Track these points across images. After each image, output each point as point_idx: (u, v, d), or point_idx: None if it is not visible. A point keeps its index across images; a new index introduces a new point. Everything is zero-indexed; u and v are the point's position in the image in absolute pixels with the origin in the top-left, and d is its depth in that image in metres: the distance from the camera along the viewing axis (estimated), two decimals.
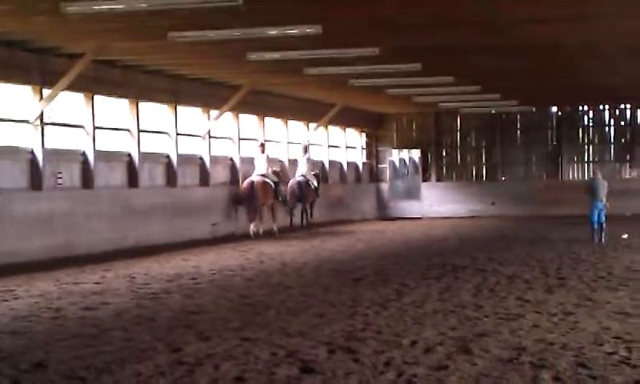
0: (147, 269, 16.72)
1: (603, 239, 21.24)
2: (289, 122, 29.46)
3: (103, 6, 13.60)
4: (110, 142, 21.22)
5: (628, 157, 35.37)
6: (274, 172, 25.89)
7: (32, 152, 18.30)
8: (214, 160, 24.97)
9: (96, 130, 20.15)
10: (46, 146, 18.48)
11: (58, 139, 19.62)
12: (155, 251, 20.05)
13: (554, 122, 36.10)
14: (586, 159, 35.81)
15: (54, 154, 18.97)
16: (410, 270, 16.07)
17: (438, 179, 36.75)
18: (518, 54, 20.13)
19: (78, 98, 19.88)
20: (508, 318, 10.49)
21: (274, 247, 21.41)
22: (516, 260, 17.58)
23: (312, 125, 30.71)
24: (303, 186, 27.57)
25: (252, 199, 24.67)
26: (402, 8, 14.77)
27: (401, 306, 11.66)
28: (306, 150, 28.65)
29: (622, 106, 35.15)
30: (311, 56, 18.83)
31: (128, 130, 21.55)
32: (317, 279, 14.87)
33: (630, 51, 20.24)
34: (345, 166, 34.05)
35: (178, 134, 23.28)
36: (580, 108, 35.63)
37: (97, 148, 20.14)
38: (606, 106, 35.36)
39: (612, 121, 35.60)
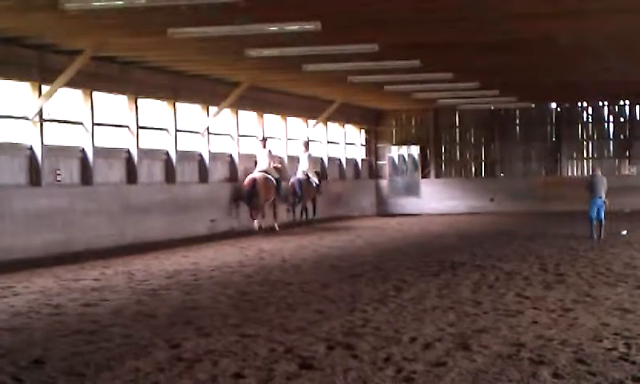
0: (146, 265, 16.73)
1: (602, 235, 21.26)
2: (288, 118, 29.45)
3: (102, 3, 13.60)
4: (108, 139, 21.21)
5: (627, 153, 35.38)
6: (276, 168, 25.92)
7: (31, 148, 18.30)
8: (213, 156, 24.96)
9: (95, 127, 20.15)
10: (45, 142, 18.48)
11: (57, 136, 19.60)
12: (154, 248, 20.05)
13: (553, 119, 36.10)
14: (585, 155, 35.83)
15: (52, 151, 18.97)
16: (409, 266, 16.08)
17: (437, 175, 36.76)
18: (515, 51, 20.13)
19: (77, 94, 19.88)
20: (507, 314, 10.50)
21: (274, 243, 21.42)
22: (515, 256, 17.59)
23: (311, 121, 30.71)
24: (303, 183, 27.58)
25: (254, 196, 24.71)
26: (401, 4, 14.77)
27: (400, 302, 11.67)
28: (307, 146, 28.65)
29: (621, 103, 35.15)
30: (310, 52, 18.82)
31: (127, 127, 21.54)
32: (316, 275, 14.87)
33: (623, 48, 20.24)
34: (344, 163, 34.05)
35: (177, 131, 23.27)
36: (579, 104, 35.63)
37: (96, 144, 20.14)
38: (605, 103, 35.36)
39: (611, 117, 35.60)
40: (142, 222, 21.29)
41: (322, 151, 32.03)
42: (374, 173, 36.97)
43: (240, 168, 26.07)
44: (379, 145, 37.03)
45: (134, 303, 11.99)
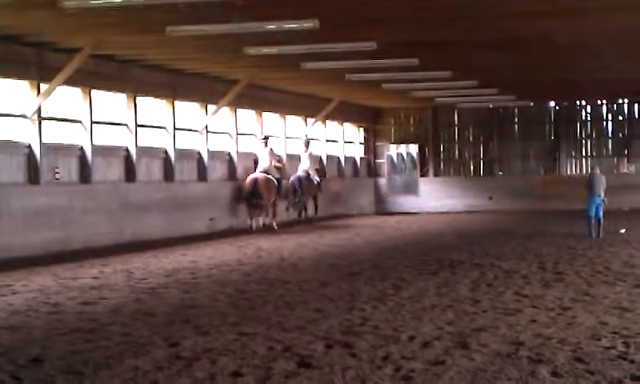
0: (145, 264, 16.73)
1: (601, 234, 21.27)
2: (287, 116, 29.45)
3: (101, 1, 13.61)
4: (107, 137, 21.20)
5: (626, 151, 35.38)
6: (277, 167, 25.97)
7: (29, 147, 18.29)
8: (212, 155, 24.95)
9: (93, 125, 20.14)
10: (43, 140, 18.47)
11: (56, 134, 19.59)
12: (153, 246, 20.05)
13: (552, 117, 36.09)
14: (584, 154, 35.82)
15: (51, 149, 18.96)
16: (407, 264, 16.08)
17: (436, 174, 36.75)
18: (514, 49, 20.14)
19: (76, 92, 19.87)
20: (505, 313, 10.50)
21: (272, 242, 21.42)
22: (514, 255, 17.60)
23: (310, 119, 30.70)
24: (303, 180, 27.59)
25: (255, 196, 24.77)
26: (399, 2, 14.77)
27: (398, 300, 11.68)
28: (307, 144, 28.66)
29: (620, 101, 35.15)
30: (308, 50, 18.80)
31: (125, 125, 21.54)
32: (315, 274, 14.87)
33: (622, 46, 20.24)
34: (342, 161, 34.05)
35: (175, 129, 23.26)
36: (577, 103, 35.63)
37: (94, 143, 20.13)
38: (604, 101, 35.36)
39: (610, 116, 35.60)
40: (141, 221, 21.29)
41: (320, 150, 32.02)
42: (373, 171, 36.98)
43: (239, 167, 26.08)
44: (378, 143, 37.03)
45: (132, 302, 11.99)
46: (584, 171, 34.35)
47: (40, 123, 18.40)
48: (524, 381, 7.23)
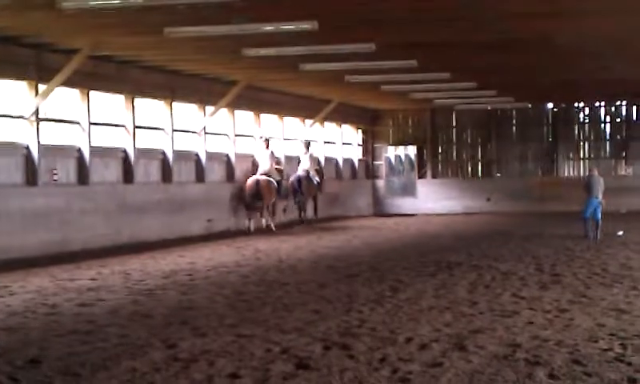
0: (143, 265, 16.73)
1: (599, 236, 21.29)
2: (285, 118, 29.45)
3: (99, 2, 13.59)
4: (105, 138, 21.19)
5: (623, 153, 35.39)
6: (277, 169, 26.03)
7: (27, 148, 18.27)
8: (210, 156, 24.95)
9: (91, 126, 20.13)
10: (41, 141, 18.46)
11: (54, 135, 19.58)
12: (151, 247, 20.05)
13: (550, 119, 36.12)
14: (582, 156, 35.85)
15: (49, 150, 18.94)
16: (405, 266, 16.08)
17: (434, 176, 36.76)
18: (512, 51, 20.14)
19: (74, 93, 19.86)
20: (503, 315, 10.51)
21: (270, 243, 21.42)
22: (511, 256, 17.61)
23: (308, 121, 30.70)
24: (303, 180, 27.60)
25: (256, 198, 24.87)
26: (398, 4, 14.76)
27: (396, 302, 11.68)
28: (308, 146, 28.69)
29: (618, 103, 35.17)
30: (307, 52, 18.81)
31: (123, 126, 21.53)
32: (313, 276, 14.88)
33: (620, 48, 20.26)
34: (341, 163, 34.05)
35: (173, 130, 23.26)
36: (575, 105, 35.65)
37: (92, 144, 20.12)
38: (602, 103, 35.37)
39: (608, 118, 35.62)
40: (139, 222, 21.28)
41: (319, 151, 32.02)
42: (371, 173, 36.99)
43: (237, 168, 26.07)
44: (376, 145, 37.04)
45: (130, 303, 11.99)
46: (582, 173, 34.36)
47: (38, 124, 18.39)
48: (521, 383, 7.24)
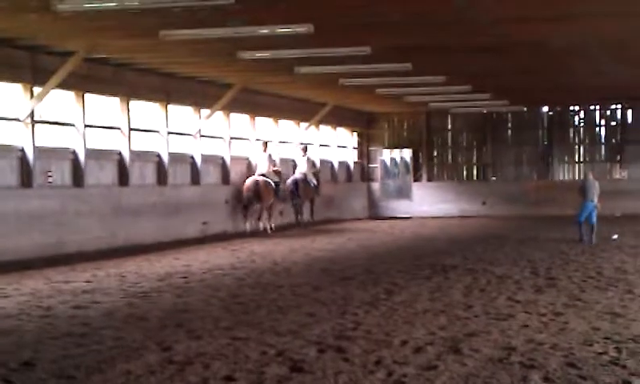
0: (138, 267, 16.72)
1: (593, 239, 21.31)
2: (280, 121, 29.46)
3: (94, 4, 13.57)
4: (100, 141, 21.18)
5: (618, 157, 35.43)
6: (275, 171, 26.06)
7: (22, 150, 18.25)
8: (205, 159, 24.95)
9: (87, 129, 20.12)
10: (36, 144, 18.45)
11: (49, 137, 19.57)
12: (146, 250, 20.04)
13: (545, 122, 36.14)
14: (577, 159, 35.88)
15: (44, 152, 18.92)
16: (400, 269, 16.08)
17: (429, 179, 36.76)
18: (507, 54, 20.17)
19: (69, 96, 19.85)
20: (498, 318, 10.52)
21: (265, 246, 21.42)
22: (506, 260, 17.62)
23: (303, 124, 30.71)
24: (300, 183, 27.62)
25: (255, 199, 24.92)
26: (394, 7, 14.77)
27: (391, 305, 11.68)
28: (305, 150, 28.76)
29: (613, 107, 35.21)
30: (302, 55, 18.82)
31: (119, 129, 21.51)
32: (307, 278, 14.87)
33: (615, 51, 20.29)
34: (336, 166, 34.05)
35: (169, 133, 23.25)
36: (571, 108, 35.69)
37: (87, 146, 20.11)
38: (597, 107, 35.41)
39: (603, 121, 35.65)
40: (134, 224, 21.26)
41: (314, 154, 32.02)
42: (366, 176, 36.99)
43: (233, 171, 26.07)
44: (371, 148, 37.04)
45: (125, 306, 11.97)
46: (577, 177, 34.40)
47: (33, 126, 18.37)
48: None
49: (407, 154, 36.33)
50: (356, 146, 36.52)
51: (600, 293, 12.72)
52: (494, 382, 7.36)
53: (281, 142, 29.39)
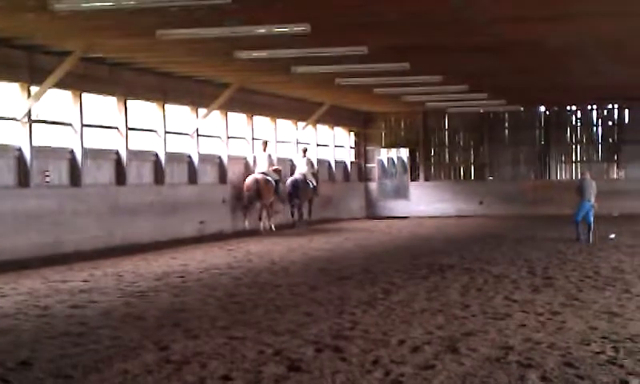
0: (135, 267, 16.70)
1: (591, 239, 21.32)
2: (277, 120, 29.46)
3: (92, 4, 13.57)
4: (98, 140, 21.17)
5: (615, 157, 35.46)
6: (275, 170, 26.11)
7: (20, 149, 18.25)
8: (203, 158, 24.94)
9: (84, 128, 20.11)
10: (33, 143, 18.44)
11: (46, 137, 19.56)
12: (143, 249, 20.03)
13: (542, 122, 36.17)
14: (574, 159, 35.92)
15: (41, 152, 18.92)
16: (397, 268, 16.08)
17: (426, 178, 36.78)
18: (504, 54, 20.19)
19: (66, 95, 19.83)
20: (495, 318, 10.52)
21: (263, 245, 21.41)
22: (503, 259, 17.62)
23: (301, 123, 30.72)
24: (299, 183, 27.63)
25: (256, 196, 24.97)
26: (390, 7, 14.78)
27: (388, 304, 11.68)
28: (305, 151, 28.83)
29: (610, 106, 35.24)
30: (299, 55, 18.83)
31: (116, 128, 21.50)
32: (305, 278, 14.87)
33: (612, 51, 20.31)
34: (333, 165, 34.06)
35: (166, 132, 23.25)
36: (568, 108, 35.71)
37: (85, 146, 20.10)
38: (594, 106, 35.44)
39: (600, 121, 35.68)
40: (131, 224, 21.26)
41: (311, 154, 32.01)
42: (364, 175, 37.00)
43: (230, 170, 26.07)
44: (368, 147, 37.05)
45: (122, 305, 11.96)
46: (574, 176, 34.42)
47: (30, 126, 18.36)
48: None
49: (404, 153, 36.36)
50: (353, 145, 36.53)
51: (597, 292, 12.73)
52: (491, 381, 7.36)
53: (278, 142, 29.39)
